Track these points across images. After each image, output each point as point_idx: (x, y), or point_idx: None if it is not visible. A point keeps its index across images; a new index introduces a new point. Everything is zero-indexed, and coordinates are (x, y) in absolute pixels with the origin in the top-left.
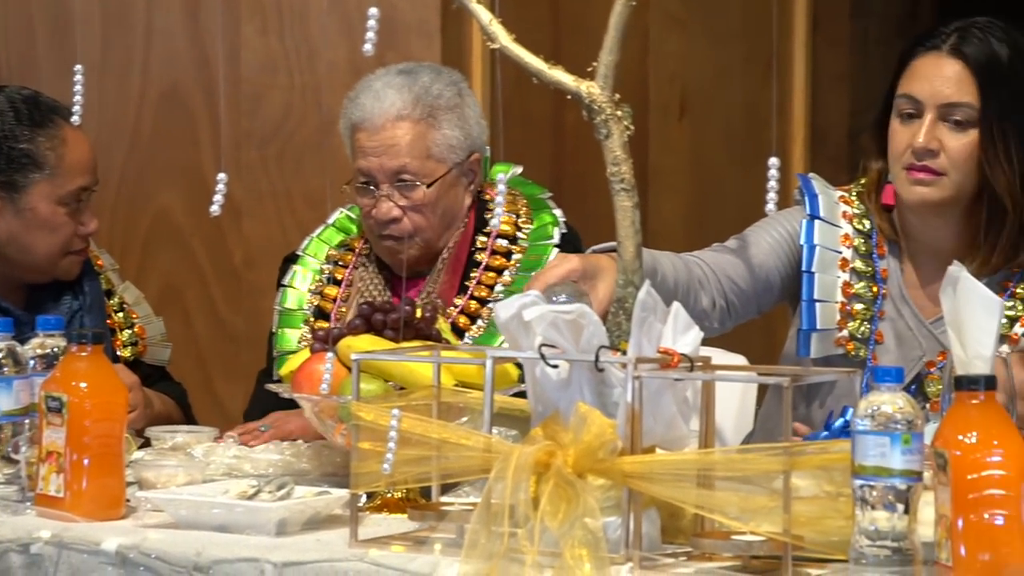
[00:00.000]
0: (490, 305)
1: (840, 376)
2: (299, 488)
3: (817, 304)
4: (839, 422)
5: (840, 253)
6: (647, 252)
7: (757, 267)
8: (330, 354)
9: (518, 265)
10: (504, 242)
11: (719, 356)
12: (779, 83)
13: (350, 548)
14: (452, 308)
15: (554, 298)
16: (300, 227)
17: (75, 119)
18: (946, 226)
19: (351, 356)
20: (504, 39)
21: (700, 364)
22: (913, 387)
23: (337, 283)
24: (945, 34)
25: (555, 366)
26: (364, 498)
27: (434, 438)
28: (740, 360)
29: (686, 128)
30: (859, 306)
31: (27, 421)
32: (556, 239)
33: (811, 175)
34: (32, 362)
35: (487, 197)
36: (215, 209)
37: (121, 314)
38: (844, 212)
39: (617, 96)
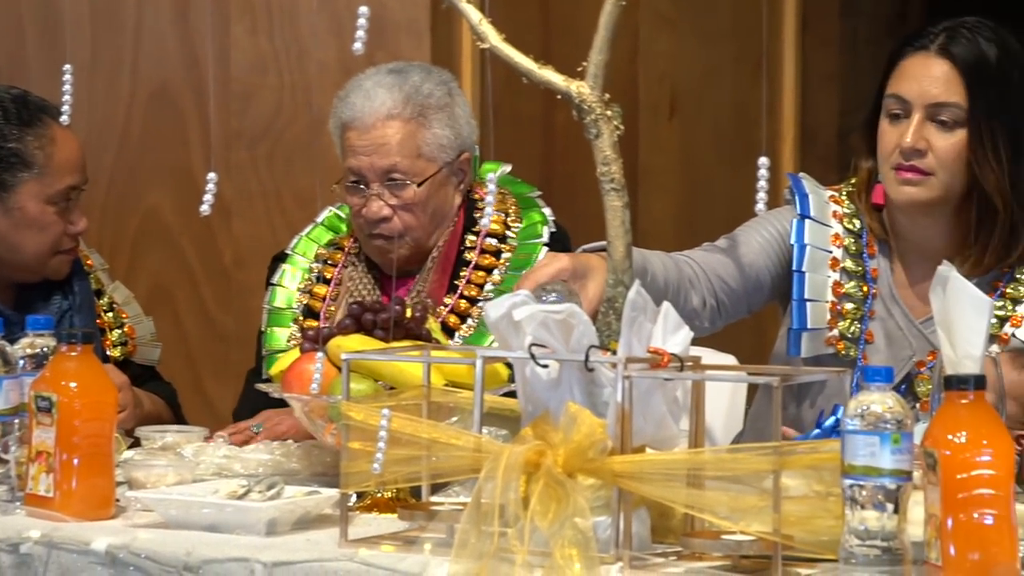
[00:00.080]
0: (480, 304)
1: (830, 376)
2: (289, 488)
3: (807, 303)
4: (830, 421)
5: (830, 252)
6: (637, 251)
7: (747, 266)
8: (320, 354)
9: (507, 264)
10: (493, 241)
11: (709, 356)
12: (769, 83)
13: (340, 548)
14: (442, 307)
15: (544, 297)
16: (290, 227)
17: (64, 119)
18: (935, 226)
19: (341, 356)
20: (494, 39)
21: (690, 364)
22: (903, 387)
23: (326, 282)
24: (933, 34)
25: (545, 366)
26: (354, 498)
27: (424, 438)
28: (730, 360)
29: (676, 128)
30: (849, 306)
31: (17, 421)
32: (545, 238)
33: (801, 175)
34: (22, 362)
35: (477, 196)
36: (205, 209)
37: (111, 314)
38: (834, 212)
39: (607, 96)
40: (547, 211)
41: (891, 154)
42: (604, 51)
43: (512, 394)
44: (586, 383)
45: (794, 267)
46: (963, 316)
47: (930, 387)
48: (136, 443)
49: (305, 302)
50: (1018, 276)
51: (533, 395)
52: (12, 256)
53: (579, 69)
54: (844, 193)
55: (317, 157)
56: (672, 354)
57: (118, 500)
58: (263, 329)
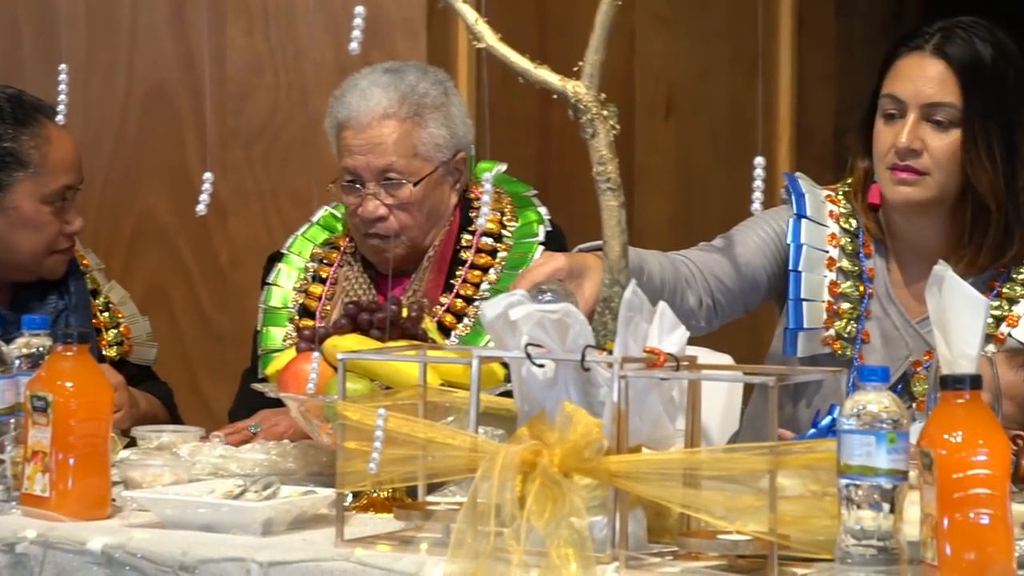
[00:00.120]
0: (476, 303)
1: (826, 375)
2: (285, 488)
3: (804, 303)
4: (826, 420)
5: (827, 252)
6: (633, 251)
7: (744, 266)
8: (316, 353)
9: (503, 263)
10: (489, 240)
11: (705, 355)
12: (765, 83)
13: (336, 548)
14: (438, 307)
15: (540, 297)
16: (286, 227)
17: (60, 118)
18: (931, 226)
19: (337, 355)
20: (490, 38)
21: (686, 363)
22: (899, 386)
23: (322, 281)
24: (928, 34)
25: (541, 365)
26: (350, 497)
27: (420, 438)
28: (726, 360)
29: (672, 127)
30: (846, 305)
31: (12, 420)
32: (541, 237)
33: (798, 174)
34: (18, 361)
35: (472, 196)
36: (201, 209)
37: (107, 314)
38: (831, 211)
39: (603, 95)
40: (543, 210)
41: (886, 154)
42: (600, 51)
43: (508, 394)
44: (582, 383)
45: (790, 267)
46: (959, 316)
47: (926, 387)
48: (132, 443)
49: (301, 301)
50: (1014, 276)
51: (529, 395)
52: (8, 256)
53: (575, 69)
54: (840, 193)
55: (313, 157)
56: (668, 354)
57: (114, 500)
58: (259, 328)
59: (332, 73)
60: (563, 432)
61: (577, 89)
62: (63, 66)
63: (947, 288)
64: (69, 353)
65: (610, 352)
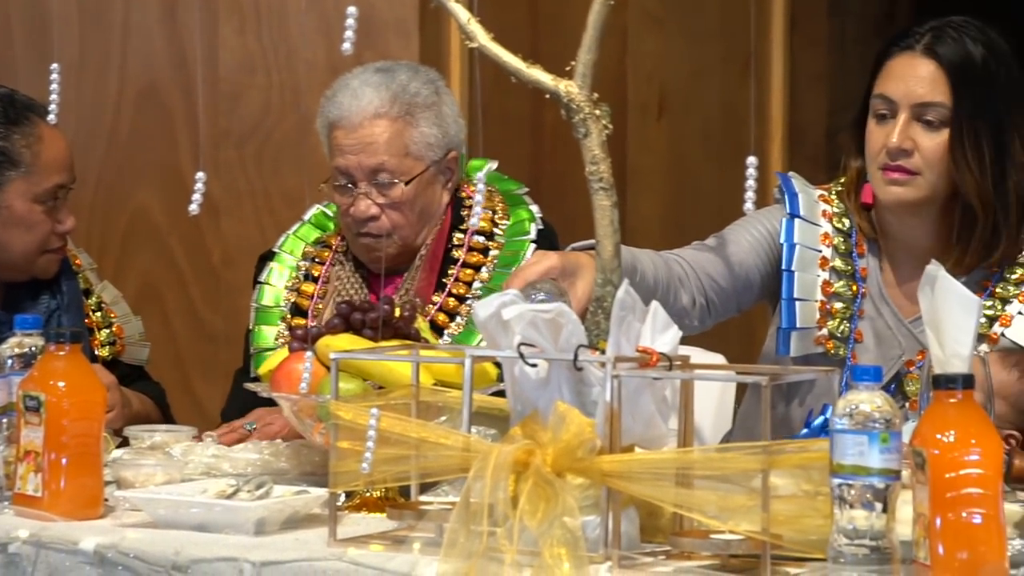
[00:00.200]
0: (469, 302)
1: (819, 375)
2: (278, 487)
3: (797, 303)
4: (819, 420)
5: (820, 252)
6: (626, 250)
7: (737, 265)
8: (309, 353)
9: (495, 261)
10: (481, 238)
11: (698, 355)
12: (757, 82)
13: (329, 547)
14: (430, 306)
15: (533, 296)
16: (278, 226)
17: (52, 118)
18: (923, 225)
19: (330, 355)
20: (482, 38)
21: (679, 363)
22: (892, 386)
23: (314, 280)
24: (919, 34)
25: (534, 365)
26: (343, 497)
27: (413, 437)
28: (719, 359)
29: (664, 127)
30: (839, 305)
31: (5, 420)
32: (533, 235)
33: (791, 174)
34: (10, 361)
35: (464, 195)
36: (193, 208)
37: (99, 313)
38: (824, 211)
39: (595, 95)
40: (534, 208)
41: (878, 154)
42: (592, 50)
43: (501, 393)
44: (575, 382)
45: (783, 266)
46: (951, 315)
47: (919, 386)
48: (124, 443)
49: (293, 300)
50: (1007, 276)
51: (522, 394)
52: (0, 255)
53: (567, 68)
54: (833, 192)
55: (305, 156)
56: (661, 353)
57: (106, 500)
58: (251, 327)
59: (324, 73)
60: (556, 432)
61: (570, 89)
62: (55, 65)
63: (940, 288)
64: (61, 353)
65: (603, 352)
